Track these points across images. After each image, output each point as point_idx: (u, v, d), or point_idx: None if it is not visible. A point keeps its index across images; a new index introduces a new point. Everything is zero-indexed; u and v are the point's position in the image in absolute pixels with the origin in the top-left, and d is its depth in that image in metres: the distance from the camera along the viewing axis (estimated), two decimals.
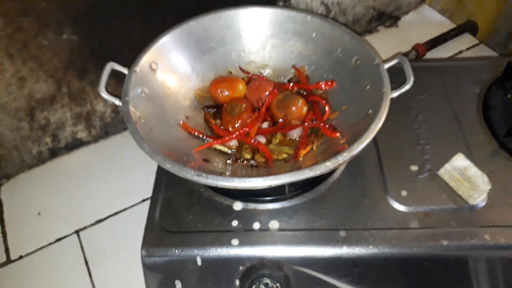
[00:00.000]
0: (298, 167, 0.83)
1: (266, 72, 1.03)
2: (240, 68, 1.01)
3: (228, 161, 0.90)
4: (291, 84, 1.04)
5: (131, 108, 0.88)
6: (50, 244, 1.10)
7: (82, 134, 1.24)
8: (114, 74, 0.95)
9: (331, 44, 0.97)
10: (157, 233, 0.91)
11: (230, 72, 1.02)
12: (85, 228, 1.12)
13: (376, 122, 0.83)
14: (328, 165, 0.76)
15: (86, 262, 1.06)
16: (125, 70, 0.96)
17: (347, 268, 0.88)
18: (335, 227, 0.89)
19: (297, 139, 0.97)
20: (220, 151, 0.95)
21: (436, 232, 0.87)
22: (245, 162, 0.90)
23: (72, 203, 1.16)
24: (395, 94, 0.90)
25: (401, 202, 0.91)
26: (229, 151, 0.89)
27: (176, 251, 0.88)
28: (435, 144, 1.01)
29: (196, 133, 0.97)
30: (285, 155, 0.92)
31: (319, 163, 0.76)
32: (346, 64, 0.93)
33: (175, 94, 1.01)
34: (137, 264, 0.88)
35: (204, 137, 0.97)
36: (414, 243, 0.86)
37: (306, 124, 0.94)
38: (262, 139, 0.96)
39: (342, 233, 0.88)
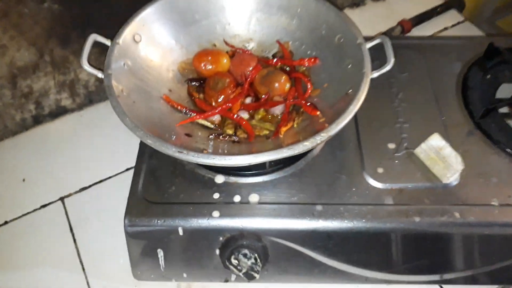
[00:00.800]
0: (278, 144, 0.85)
1: (251, 46, 1.02)
2: (225, 41, 1.00)
3: (210, 136, 0.91)
4: (275, 60, 1.04)
5: (113, 82, 0.87)
6: (35, 210, 1.11)
7: (66, 102, 1.23)
8: (98, 43, 0.93)
9: (316, 21, 0.96)
10: (140, 203, 0.93)
11: (214, 45, 1.01)
12: (69, 195, 1.13)
13: (354, 103, 0.84)
14: (307, 144, 0.77)
15: (71, 229, 1.08)
16: (107, 42, 0.95)
17: (322, 241, 0.91)
18: (313, 201, 0.92)
19: (279, 115, 0.97)
20: (203, 126, 0.96)
21: (409, 209, 0.90)
22: (227, 137, 0.91)
23: (57, 170, 1.17)
24: (375, 74, 0.91)
25: (377, 178, 0.94)
26: (212, 126, 0.89)
27: (159, 221, 0.91)
28: (413, 123, 1.03)
29: (179, 107, 0.97)
30: (266, 132, 0.93)
31: (298, 142, 0.77)
32: (329, 41, 0.93)
33: (158, 66, 0.99)
34: (121, 232, 0.90)
35: (187, 111, 0.97)
36: (387, 219, 0.89)
37: (288, 101, 0.94)
38: (245, 115, 0.97)
39: (319, 207, 0.91)
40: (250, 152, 0.79)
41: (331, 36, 0.93)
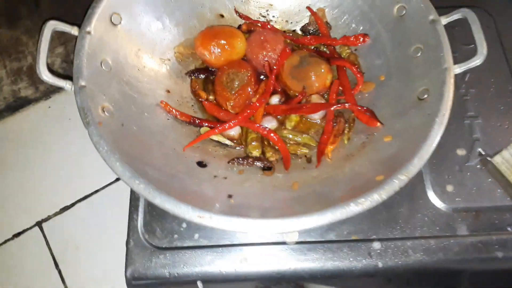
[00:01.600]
0: (328, 179, 0.61)
1: (271, 15, 0.74)
2: (236, 11, 0.79)
3: (230, 163, 0.66)
4: (308, 38, 0.75)
5: (89, 101, 0.60)
6: (6, 241, 0.88)
7: (27, 92, 0.94)
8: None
9: None
10: (143, 250, 0.71)
11: (222, 16, 0.74)
12: (48, 218, 0.89)
13: (439, 122, 0.59)
14: (380, 197, 0.54)
15: (54, 260, 0.86)
16: (73, 31, 0.65)
17: (380, 286, 0.72)
18: (367, 236, 0.70)
19: (318, 121, 0.72)
20: (219, 142, 0.71)
21: (489, 240, 0.70)
22: (253, 162, 0.66)
23: (28, 186, 0.91)
24: (459, 70, 0.65)
25: (445, 200, 0.73)
26: (231, 143, 0.73)
27: (170, 273, 0.69)
28: (488, 117, 0.79)
29: (183, 117, 0.70)
30: (304, 150, 0.68)
31: (366, 191, 0.54)
32: (385, 12, 0.72)
33: (148, 57, 0.72)
34: (116, 260, 0.69)
35: (195, 122, 0.71)
36: (462, 256, 0.69)
37: (333, 107, 0.68)
38: (272, 123, 0.72)
39: (376, 245, 0.70)
40: (292, 198, 0.56)
41: (388, 4, 0.71)
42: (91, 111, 0.60)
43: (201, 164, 0.67)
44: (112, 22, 0.68)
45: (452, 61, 0.64)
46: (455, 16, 0.68)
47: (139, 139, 0.64)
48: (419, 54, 0.68)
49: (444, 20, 0.68)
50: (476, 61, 0.65)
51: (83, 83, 0.61)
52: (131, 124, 0.65)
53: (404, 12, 0.70)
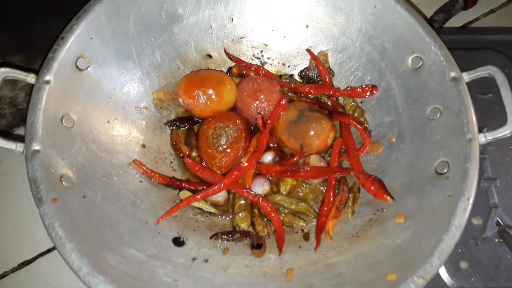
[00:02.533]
0: (328, 268, 0.52)
1: (266, 57, 0.64)
2: (226, 51, 0.71)
3: (213, 240, 0.57)
4: (308, 87, 0.66)
5: (43, 167, 0.49)
6: None
7: None
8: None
9: (378, 23, 0.64)
10: None
11: (209, 56, 0.64)
12: (5, 274, 0.78)
13: (463, 207, 0.50)
14: None
15: None
16: (29, 79, 0.55)
17: None
18: None
19: (318, 186, 0.63)
20: (201, 210, 0.61)
21: None
22: (240, 238, 0.57)
23: None
24: (485, 140, 0.56)
25: (459, 278, 0.64)
26: (215, 211, 0.63)
27: None
28: (507, 181, 0.70)
29: (159, 179, 0.60)
30: (302, 223, 0.59)
31: (367, 267, 0.45)
32: (398, 61, 0.65)
33: (121, 107, 0.62)
34: None
35: (174, 184, 0.61)
36: None
37: (335, 174, 0.59)
38: (265, 186, 0.62)
39: None
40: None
41: (401, 54, 0.64)
42: (45, 184, 0.49)
43: (177, 242, 0.57)
44: (78, 67, 0.58)
45: (477, 131, 0.55)
46: (480, 73, 0.59)
47: (104, 213, 0.54)
48: (437, 117, 0.59)
49: (467, 78, 0.59)
50: (506, 132, 0.56)
51: (37, 147, 0.51)
52: (95, 194, 0.55)
53: (421, 64, 0.62)
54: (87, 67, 0.60)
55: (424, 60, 0.62)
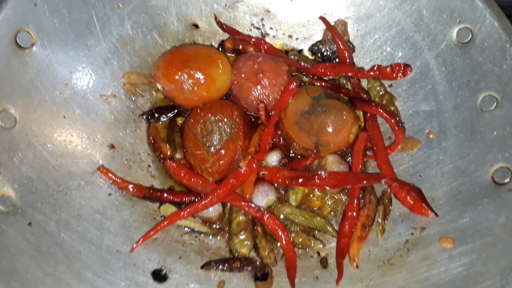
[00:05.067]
0: None
1: (268, 26, 0.60)
2: (216, 19, 0.59)
3: (204, 269, 0.46)
4: (322, 66, 0.54)
5: None
6: None
7: None
8: None
9: None
10: None
11: (196, 27, 0.59)
12: None
13: None
14: None
15: None
16: None
17: None
18: None
19: (337, 193, 0.52)
20: (190, 230, 0.50)
21: None
22: (241, 267, 0.46)
23: None
24: None
25: None
26: (207, 230, 0.53)
27: None
28: None
29: (133, 190, 0.49)
30: (318, 245, 0.48)
31: None
32: (439, 34, 0.55)
33: (81, 95, 0.49)
34: None
35: (151, 195, 0.50)
36: None
37: (361, 182, 0.48)
38: (269, 195, 0.52)
39: None
40: None
41: (444, 22, 0.53)
42: None
43: (158, 276, 0.47)
44: (18, 45, 0.45)
45: None
46: None
47: (59, 244, 0.43)
48: (492, 107, 0.49)
49: None
50: None
51: None
52: (46, 218, 0.44)
53: (470, 37, 0.51)
54: (32, 45, 0.48)
55: (474, 32, 0.51)
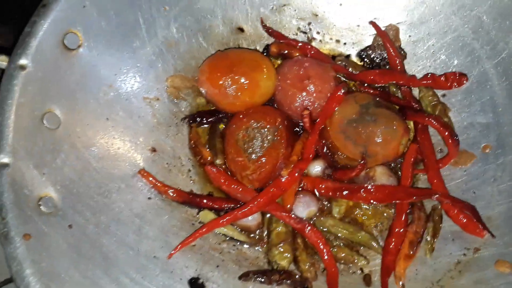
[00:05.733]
0: None
1: (315, 31, 0.59)
2: (262, 23, 0.58)
3: (241, 280, 0.45)
4: (372, 73, 0.52)
5: (12, 187, 0.38)
6: None
7: None
8: None
9: None
10: None
11: (241, 30, 0.59)
12: None
13: None
14: None
15: None
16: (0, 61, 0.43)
17: None
18: None
19: (384, 207, 0.49)
20: (226, 236, 0.49)
21: None
22: (280, 281, 0.44)
23: None
24: None
25: None
26: (246, 240, 0.52)
27: None
28: None
29: (174, 195, 0.48)
30: (362, 261, 0.46)
31: None
32: (500, 41, 0.52)
33: (125, 97, 0.49)
34: None
35: (192, 200, 0.49)
36: None
37: (411, 198, 0.45)
38: (311, 207, 0.50)
39: None
40: None
41: (506, 30, 0.51)
42: (14, 212, 0.37)
43: (195, 284, 0.46)
44: (66, 46, 0.45)
45: None
46: None
47: (97, 247, 0.43)
48: None
49: None
50: None
51: (5, 159, 0.40)
52: (86, 221, 0.44)
53: None
54: (79, 46, 0.48)
55: None
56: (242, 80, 0.52)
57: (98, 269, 0.41)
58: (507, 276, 0.42)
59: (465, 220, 0.47)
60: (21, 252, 0.37)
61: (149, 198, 0.50)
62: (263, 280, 0.47)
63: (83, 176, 0.45)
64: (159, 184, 0.50)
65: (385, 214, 0.52)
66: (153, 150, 0.53)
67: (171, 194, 0.51)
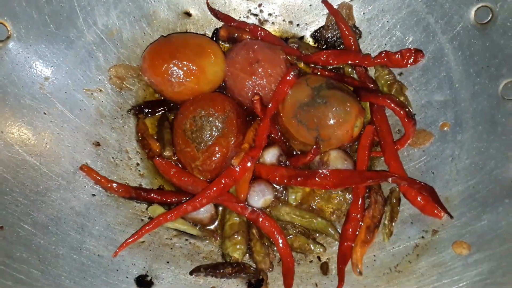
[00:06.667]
0: None
1: (267, 12, 0.57)
2: (210, 7, 0.56)
3: (193, 275, 0.43)
4: (325, 54, 0.50)
5: None
6: None
7: None
8: None
9: None
10: None
11: (188, 15, 0.56)
12: None
13: None
14: None
15: None
16: None
17: None
18: None
19: (341, 192, 0.48)
20: (177, 230, 0.47)
21: None
22: (233, 272, 0.43)
23: None
24: None
25: None
26: (198, 233, 0.50)
27: None
28: None
29: (119, 190, 0.46)
30: (319, 249, 0.45)
31: None
32: (454, 15, 0.50)
33: (63, 90, 0.47)
34: None
35: (139, 195, 0.47)
36: None
37: (367, 181, 0.44)
38: (266, 195, 0.49)
39: None
40: None
41: (460, 2, 0.49)
42: None
43: (143, 282, 0.43)
44: None
45: None
46: None
47: (34, 249, 0.40)
48: None
49: None
50: None
51: None
52: (21, 221, 0.40)
53: (490, 17, 0.47)
54: (7, 38, 0.45)
55: (495, 11, 0.48)
56: (187, 67, 0.50)
57: (33, 273, 0.39)
58: (464, 257, 0.41)
59: (423, 202, 0.45)
60: None
61: (93, 195, 0.48)
62: (215, 274, 0.45)
63: (17, 175, 0.43)
64: (102, 180, 0.48)
65: (342, 199, 0.51)
66: (97, 144, 0.50)
67: (117, 189, 0.49)
